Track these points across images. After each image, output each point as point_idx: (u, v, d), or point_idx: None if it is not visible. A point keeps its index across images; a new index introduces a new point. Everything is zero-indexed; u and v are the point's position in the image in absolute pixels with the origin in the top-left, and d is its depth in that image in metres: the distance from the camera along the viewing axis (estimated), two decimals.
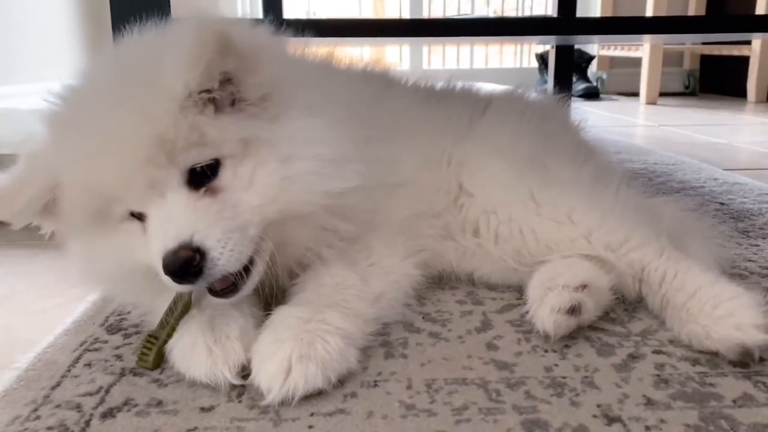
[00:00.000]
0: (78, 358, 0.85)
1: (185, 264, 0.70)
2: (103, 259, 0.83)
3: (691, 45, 4.74)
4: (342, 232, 0.86)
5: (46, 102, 0.83)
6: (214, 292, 0.77)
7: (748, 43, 4.23)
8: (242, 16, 3.88)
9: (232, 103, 0.77)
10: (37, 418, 0.72)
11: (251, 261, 0.78)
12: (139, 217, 0.78)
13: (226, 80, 0.75)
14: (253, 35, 0.80)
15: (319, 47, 1.07)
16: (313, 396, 0.73)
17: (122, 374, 0.81)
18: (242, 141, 0.76)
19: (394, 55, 5.21)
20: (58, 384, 0.79)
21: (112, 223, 0.80)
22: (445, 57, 5.43)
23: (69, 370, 0.82)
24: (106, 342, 0.90)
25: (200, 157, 0.75)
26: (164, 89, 0.73)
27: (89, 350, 0.87)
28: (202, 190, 0.75)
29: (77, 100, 0.82)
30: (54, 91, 0.84)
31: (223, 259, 0.72)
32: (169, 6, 1.19)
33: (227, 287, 0.77)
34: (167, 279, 0.73)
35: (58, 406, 0.74)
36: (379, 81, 1.15)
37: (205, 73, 0.72)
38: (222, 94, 0.76)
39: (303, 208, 0.80)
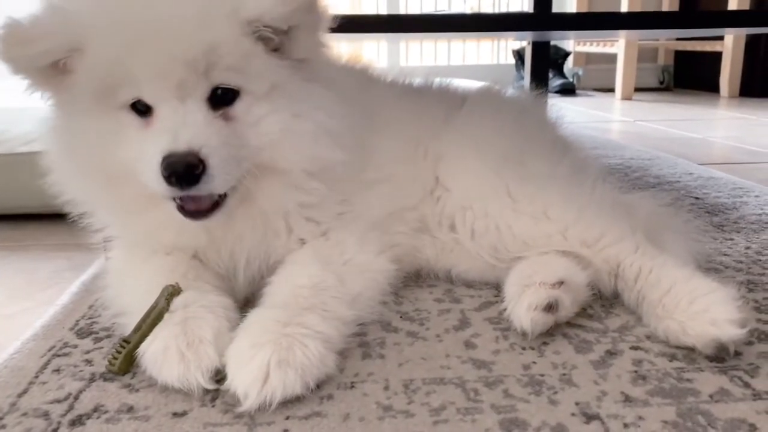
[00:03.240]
0: (46, 364, 0.83)
1: (188, 167, 0.74)
2: (88, 144, 0.82)
3: (666, 41, 4.80)
4: (307, 199, 0.90)
5: None
6: (186, 211, 0.81)
7: (721, 38, 4.29)
8: None
9: (274, 49, 0.81)
10: (3, 427, 0.69)
11: (223, 194, 0.81)
12: (140, 111, 0.79)
13: (289, 29, 0.80)
14: None
15: None
16: (288, 399, 0.72)
17: (92, 380, 0.79)
18: (272, 85, 0.81)
19: (372, 52, 5.19)
20: (25, 391, 0.77)
21: (109, 108, 0.80)
22: (422, 53, 5.42)
23: (37, 377, 0.80)
24: (75, 347, 0.87)
25: (229, 80, 0.79)
26: (238, 6, 0.77)
27: (58, 355, 0.85)
28: (219, 112, 0.80)
29: None
30: None
31: (217, 179, 0.77)
32: None
33: (199, 210, 0.81)
34: (155, 178, 0.75)
35: (24, 414, 0.72)
36: (359, 77, 1.13)
37: (291, 13, 0.78)
38: (276, 38, 0.80)
39: (289, 165, 0.85)
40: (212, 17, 0.76)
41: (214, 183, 0.77)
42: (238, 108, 0.81)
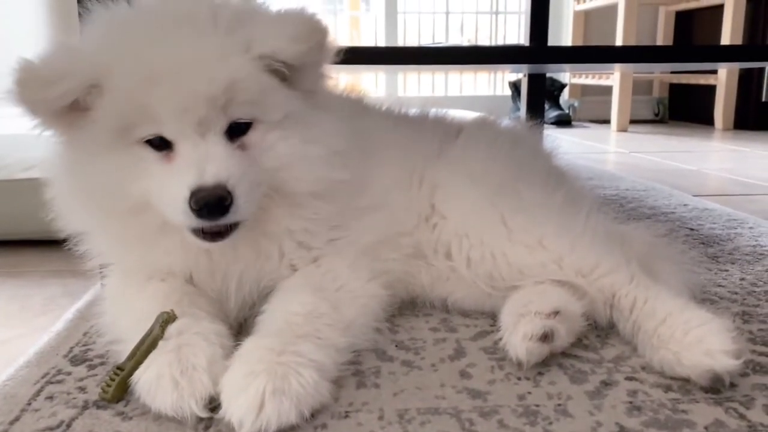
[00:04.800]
0: (39, 391, 0.82)
1: (219, 200, 0.77)
2: (104, 178, 0.83)
3: (661, 74, 4.86)
4: (311, 217, 0.92)
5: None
6: (205, 234, 0.82)
7: (715, 72, 4.35)
8: None
9: (284, 80, 0.84)
10: None
11: None
12: (156, 146, 0.81)
13: (300, 64, 0.83)
14: None
15: None
16: (283, 428, 0.71)
17: (85, 407, 0.78)
18: (285, 115, 0.85)
19: (370, 82, 5.24)
20: (17, 418, 0.76)
21: (126, 143, 0.81)
22: (420, 84, 5.48)
23: (29, 404, 0.79)
24: (69, 374, 0.87)
25: (246, 113, 0.82)
26: (254, 44, 0.81)
27: (51, 382, 0.84)
28: (237, 143, 0.83)
29: (142, 14, 0.84)
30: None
31: (243, 207, 0.80)
32: None
33: (219, 232, 0.82)
34: (181, 212, 0.77)
35: None
36: (355, 106, 1.15)
37: (304, 53, 0.82)
38: (287, 71, 0.84)
39: (300, 187, 0.88)
40: (230, 54, 0.79)
41: (240, 212, 0.80)
42: (252, 137, 0.84)
